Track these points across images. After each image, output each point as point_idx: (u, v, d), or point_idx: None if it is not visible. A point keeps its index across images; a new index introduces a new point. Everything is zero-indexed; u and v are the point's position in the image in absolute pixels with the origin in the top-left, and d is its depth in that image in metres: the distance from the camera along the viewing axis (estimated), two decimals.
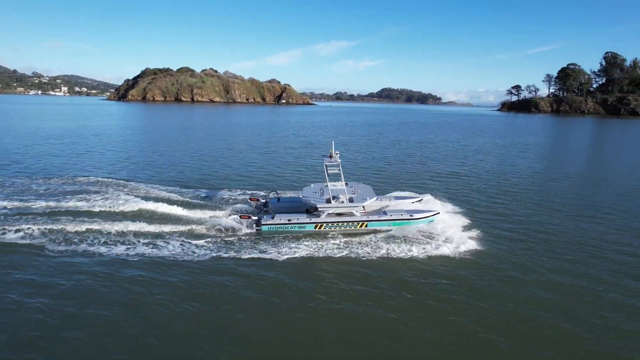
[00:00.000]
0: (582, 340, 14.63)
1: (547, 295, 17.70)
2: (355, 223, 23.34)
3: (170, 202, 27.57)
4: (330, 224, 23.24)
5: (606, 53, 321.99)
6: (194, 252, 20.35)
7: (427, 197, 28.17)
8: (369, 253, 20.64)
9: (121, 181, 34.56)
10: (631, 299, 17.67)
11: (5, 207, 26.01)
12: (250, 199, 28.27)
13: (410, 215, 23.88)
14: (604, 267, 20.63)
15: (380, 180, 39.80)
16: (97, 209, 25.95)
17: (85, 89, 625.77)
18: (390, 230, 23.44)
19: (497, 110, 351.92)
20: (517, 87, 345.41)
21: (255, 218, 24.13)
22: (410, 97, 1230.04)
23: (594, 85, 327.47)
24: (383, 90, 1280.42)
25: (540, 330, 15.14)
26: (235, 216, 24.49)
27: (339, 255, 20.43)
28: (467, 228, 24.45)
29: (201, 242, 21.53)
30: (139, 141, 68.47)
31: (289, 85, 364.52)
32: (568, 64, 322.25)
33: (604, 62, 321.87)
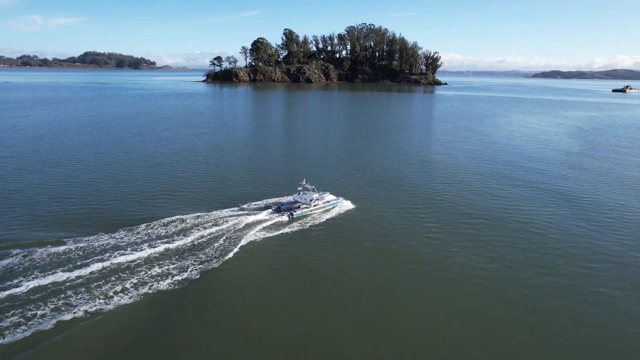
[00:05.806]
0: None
1: (385, 220, 47.44)
2: (321, 207, 50.13)
3: (237, 216, 47.03)
4: (314, 210, 49.48)
5: (285, 29, 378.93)
6: (269, 235, 43.01)
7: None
8: (327, 218, 48.09)
9: (192, 215, 46.96)
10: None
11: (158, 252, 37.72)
12: (272, 206, 50.34)
13: (336, 200, 51.92)
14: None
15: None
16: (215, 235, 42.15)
17: None
18: (331, 208, 50.91)
19: (203, 81, 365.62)
20: (219, 59, 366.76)
21: (289, 212, 47.72)
22: (121, 61, 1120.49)
23: (281, 57, 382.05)
24: (87, 54, 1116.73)
25: (388, 245, 40.96)
26: (281, 213, 48.07)
27: (320, 222, 47.07)
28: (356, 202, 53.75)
29: (272, 227, 45.09)
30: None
31: None
32: (258, 38, 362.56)
33: (284, 38, 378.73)
